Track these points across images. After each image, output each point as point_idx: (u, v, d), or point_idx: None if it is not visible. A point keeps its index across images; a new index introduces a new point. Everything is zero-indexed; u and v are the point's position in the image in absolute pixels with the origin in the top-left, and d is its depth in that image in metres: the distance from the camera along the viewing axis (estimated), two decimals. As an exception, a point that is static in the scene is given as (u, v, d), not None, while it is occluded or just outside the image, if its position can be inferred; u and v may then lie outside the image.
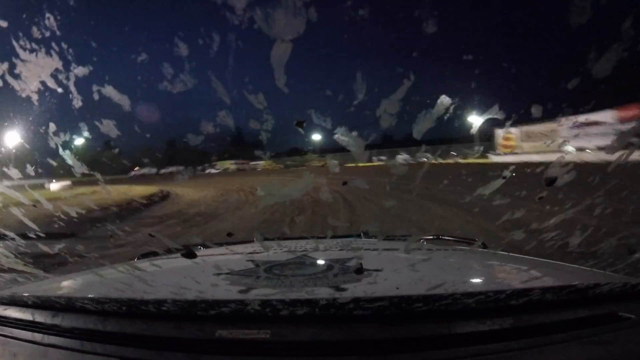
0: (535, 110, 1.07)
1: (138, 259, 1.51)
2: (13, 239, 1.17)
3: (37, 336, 0.76)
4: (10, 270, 1.11)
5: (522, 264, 1.09)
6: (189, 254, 1.06)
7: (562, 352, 0.63)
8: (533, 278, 0.86)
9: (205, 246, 1.62)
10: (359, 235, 1.81)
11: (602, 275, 0.89)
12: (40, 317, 0.82)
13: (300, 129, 1.02)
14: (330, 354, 0.65)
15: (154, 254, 1.44)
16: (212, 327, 0.71)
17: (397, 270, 1.03)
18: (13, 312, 0.86)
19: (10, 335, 0.78)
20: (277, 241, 1.62)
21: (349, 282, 0.90)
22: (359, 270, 0.96)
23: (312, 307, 0.72)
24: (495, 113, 0.99)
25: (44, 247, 1.23)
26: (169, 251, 1.36)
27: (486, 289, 0.76)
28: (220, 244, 1.68)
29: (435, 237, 1.86)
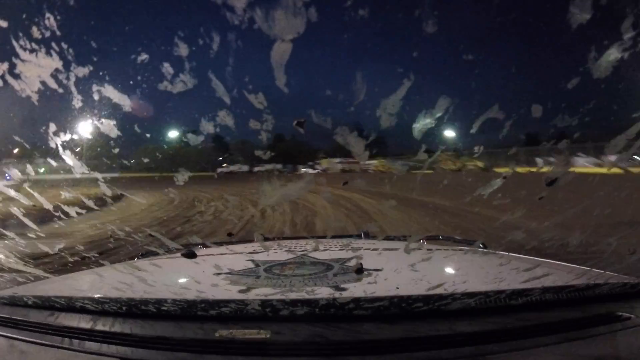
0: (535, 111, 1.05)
1: (138, 258, 1.51)
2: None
3: (37, 336, 0.76)
4: (10, 270, 1.11)
5: (522, 264, 1.09)
6: (189, 254, 1.06)
7: (562, 352, 0.63)
8: (533, 278, 0.86)
9: (205, 246, 1.62)
10: (359, 235, 1.81)
11: (602, 275, 0.89)
12: (40, 317, 0.82)
13: (300, 129, 1.02)
14: (330, 354, 0.65)
15: (154, 254, 1.44)
16: (212, 327, 0.71)
17: (397, 270, 1.03)
18: (13, 312, 0.86)
19: (10, 335, 0.78)
20: (277, 241, 1.62)
21: (349, 282, 0.90)
22: (359, 270, 0.96)
23: (312, 307, 0.72)
24: (495, 113, 0.98)
25: None
26: (169, 251, 1.36)
27: (486, 289, 0.76)
28: (220, 244, 1.68)
29: (435, 237, 1.86)
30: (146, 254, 1.50)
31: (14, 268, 1.10)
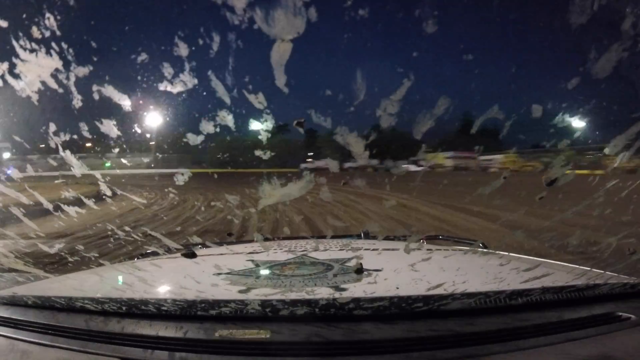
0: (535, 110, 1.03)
1: (138, 258, 1.51)
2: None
3: (37, 336, 0.76)
4: (11, 270, 1.11)
5: (522, 264, 1.09)
6: (189, 254, 1.06)
7: (562, 352, 0.63)
8: (533, 278, 0.86)
9: (205, 246, 1.62)
10: (359, 236, 1.81)
11: (602, 275, 0.89)
12: (40, 317, 0.82)
13: (300, 129, 1.01)
14: (330, 354, 0.65)
15: (154, 254, 1.44)
16: (212, 327, 0.71)
17: (397, 270, 1.03)
18: (13, 312, 0.86)
19: (10, 335, 0.78)
20: (277, 241, 1.62)
21: (349, 282, 0.90)
22: (359, 270, 0.96)
23: (312, 307, 0.72)
24: (495, 113, 0.98)
25: None
26: (169, 251, 1.36)
27: (486, 289, 0.76)
28: (220, 244, 1.68)
29: (435, 237, 1.86)
30: (146, 254, 1.50)
31: (14, 268, 1.11)
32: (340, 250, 1.34)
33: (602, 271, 0.91)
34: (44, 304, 0.86)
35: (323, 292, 0.83)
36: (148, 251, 1.53)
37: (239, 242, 1.88)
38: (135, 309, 0.78)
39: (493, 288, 0.78)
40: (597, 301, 0.78)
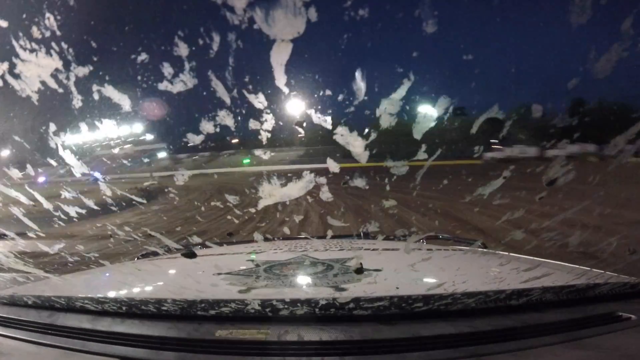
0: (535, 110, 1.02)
1: (138, 259, 1.51)
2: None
3: (37, 336, 0.76)
4: (10, 270, 1.11)
5: (522, 264, 1.09)
6: (189, 254, 1.06)
7: (562, 352, 0.62)
8: (533, 278, 0.86)
9: (205, 246, 1.62)
10: (359, 235, 1.81)
11: (602, 275, 0.89)
12: (40, 317, 0.82)
13: (300, 129, 1.02)
14: (330, 354, 0.65)
15: (154, 254, 1.44)
16: (212, 326, 0.71)
17: (397, 270, 1.03)
18: (13, 312, 0.86)
19: (10, 335, 0.78)
20: (277, 241, 1.62)
21: (349, 282, 0.91)
22: (359, 270, 0.96)
23: (312, 307, 0.72)
24: (495, 113, 0.98)
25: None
26: (169, 251, 1.37)
27: (486, 289, 0.76)
28: (220, 244, 1.68)
29: (435, 237, 1.87)
30: (146, 254, 1.51)
31: (14, 268, 1.11)
32: (340, 250, 1.34)
33: (602, 271, 0.91)
34: (44, 304, 0.86)
35: (323, 292, 0.83)
36: (148, 251, 1.53)
37: (238, 242, 1.88)
38: (135, 309, 0.78)
39: (493, 288, 0.78)
40: (597, 301, 0.78)
